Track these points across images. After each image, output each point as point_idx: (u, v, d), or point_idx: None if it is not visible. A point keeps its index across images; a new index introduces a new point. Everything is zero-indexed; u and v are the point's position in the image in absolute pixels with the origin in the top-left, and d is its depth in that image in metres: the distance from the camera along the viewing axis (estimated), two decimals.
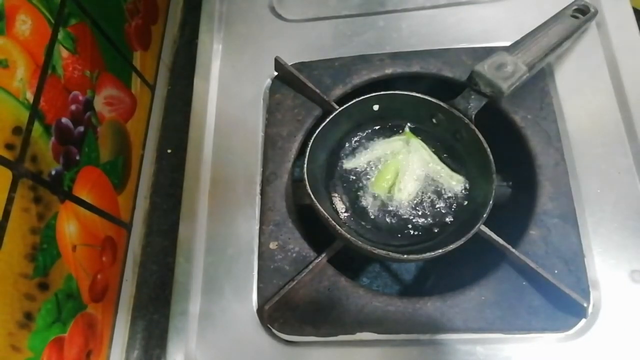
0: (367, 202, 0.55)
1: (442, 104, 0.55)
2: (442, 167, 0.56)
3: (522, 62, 0.53)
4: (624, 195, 0.51)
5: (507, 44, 0.56)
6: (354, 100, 0.56)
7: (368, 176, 0.56)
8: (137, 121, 0.65)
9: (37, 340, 0.42)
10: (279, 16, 0.68)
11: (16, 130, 0.41)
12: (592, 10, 0.58)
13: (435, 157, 0.56)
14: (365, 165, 0.57)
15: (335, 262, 0.52)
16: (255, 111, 0.62)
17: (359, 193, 0.56)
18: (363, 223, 0.54)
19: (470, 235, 0.47)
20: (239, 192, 0.58)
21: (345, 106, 0.56)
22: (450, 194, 0.54)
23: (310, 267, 0.50)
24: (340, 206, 0.56)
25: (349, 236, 0.49)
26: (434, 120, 0.57)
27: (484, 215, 0.48)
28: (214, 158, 0.60)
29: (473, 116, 0.54)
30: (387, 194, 0.55)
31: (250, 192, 0.57)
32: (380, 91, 0.56)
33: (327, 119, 0.55)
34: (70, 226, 0.48)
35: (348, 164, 0.57)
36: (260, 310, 0.51)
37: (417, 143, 0.57)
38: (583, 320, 0.47)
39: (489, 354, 0.47)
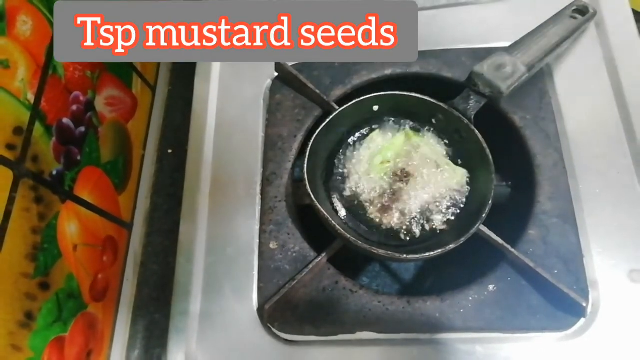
0: (367, 201, 0.55)
1: (441, 104, 0.55)
2: (447, 163, 0.56)
3: (521, 63, 0.53)
4: (622, 195, 0.51)
5: (507, 44, 0.56)
6: (354, 101, 0.56)
7: (368, 175, 0.56)
8: (138, 121, 0.65)
9: (37, 340, 0.42)
10: None
11: (17, 130, 0.41)
12: (591, 10, 0.58)
13: (439, 153, 0.56)
14: (365, 165, 0.57)
15: (335, 262, 0.52)
16: (256, 111, 0.62)
17: (359, 193, 0.56)
18: (363, 223, 0.54)
19: (469, 235, 0.47)
20: (240, 192, 0.58)
21: (345, 107, 0.56)
22: (450, 194, 0.54)
23: (311, 266, 0.51)
24: (340, 206, 0.56)
25: (349, 236, 0.49)
26: (433, 121, 0.57)
27: (483, 215, 0.48)
28: (215, 158, 0.60)
29: (472, 116, 0.54)
30: (387, 191, 0.55)
31: (251, 192, 0.57)
32: (380, 92, 0.56)
33: (327, 120, 0.55)
34: (71, 226, 0.48)
35: (348, 164, 0.58)
36: (260, 310, 0.51)
37: (419, 140, 0.57)
38: (582, 320, 0.47)
39: (488, 354, 0.47)
